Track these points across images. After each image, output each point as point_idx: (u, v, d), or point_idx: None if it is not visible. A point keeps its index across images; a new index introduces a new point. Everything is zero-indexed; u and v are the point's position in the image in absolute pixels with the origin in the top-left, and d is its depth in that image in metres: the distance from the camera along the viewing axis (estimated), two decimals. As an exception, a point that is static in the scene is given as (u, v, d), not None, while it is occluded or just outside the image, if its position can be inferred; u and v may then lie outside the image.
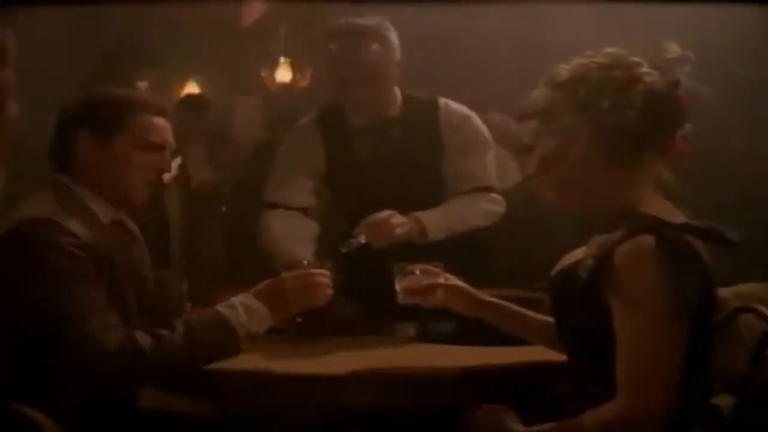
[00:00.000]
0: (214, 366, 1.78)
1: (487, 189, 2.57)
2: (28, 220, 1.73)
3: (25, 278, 1.68)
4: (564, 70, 1.61)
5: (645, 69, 1.57)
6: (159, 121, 1.92)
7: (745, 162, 3.12)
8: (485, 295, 1.92)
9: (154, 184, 1.93)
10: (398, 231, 2.37)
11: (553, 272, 1.69)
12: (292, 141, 2.68)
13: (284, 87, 5.58)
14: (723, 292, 1.61)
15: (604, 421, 1.46)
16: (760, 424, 1.52)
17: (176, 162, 4.00)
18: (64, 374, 1.67)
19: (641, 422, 1.44)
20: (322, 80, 2.83)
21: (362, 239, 2.33)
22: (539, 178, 1.64)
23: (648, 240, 1.47)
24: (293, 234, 2.50)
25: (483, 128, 2.62)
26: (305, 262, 2.05)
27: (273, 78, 5.59)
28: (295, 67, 5.55)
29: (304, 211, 2.59)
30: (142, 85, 5.02)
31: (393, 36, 2.51)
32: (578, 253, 1.63)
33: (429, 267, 1.95)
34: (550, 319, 1.80)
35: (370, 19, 2.50)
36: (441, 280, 1.93)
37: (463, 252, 2.36)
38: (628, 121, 1.54)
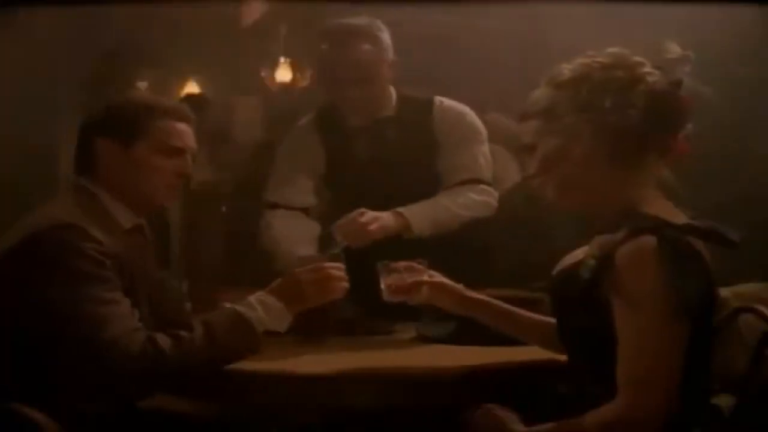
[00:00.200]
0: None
1: (478, 181, 2.54)
2: (53, 224, 1.72)
3: (50, 282, 1.67)
4: (566, 69, 1.61)
5: (647, 69, 1.57)
6: (181, 126, 1.92)
7: (745, 162, 3.12)
8: (472, 292, 1.91)
9: (176, 188, 1.93)
10: (372, 227, 2.32)
11: (554, 272, 1.69)
12: (292, 141, 2.68)
13: (284, 87, 5.56)
14: (723, 292, 1.61)
15: (604, 421, 1.47)
16: (760, 424, 1.52)
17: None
18: (86, 378, 1.66)
19: (641, 422, 1.44)
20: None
21: (341, 241, 2.29)
22: (541, 178, 1.64)
23: (649, 240, 1.47)
24: (295, 234, 2.49)
25: (478, 123, 2.60)
26: (319, 256, 2.03)
27: (273, 78, 5.57)
28: (295, 67, 5.54)
29: (305, 211, 2.59)
30: (142, 85, 5.01)
31: (385, 36, 2.50)
32: (579, 253, 1.63)
33: (413, 264, 1.94)
34: (545, 319, 1.80)
35: (361, 19, 2.49)
36: (425, 277, 1.93)
37: (463, 252, 2.37)
38: (631, 121, 1.54)
